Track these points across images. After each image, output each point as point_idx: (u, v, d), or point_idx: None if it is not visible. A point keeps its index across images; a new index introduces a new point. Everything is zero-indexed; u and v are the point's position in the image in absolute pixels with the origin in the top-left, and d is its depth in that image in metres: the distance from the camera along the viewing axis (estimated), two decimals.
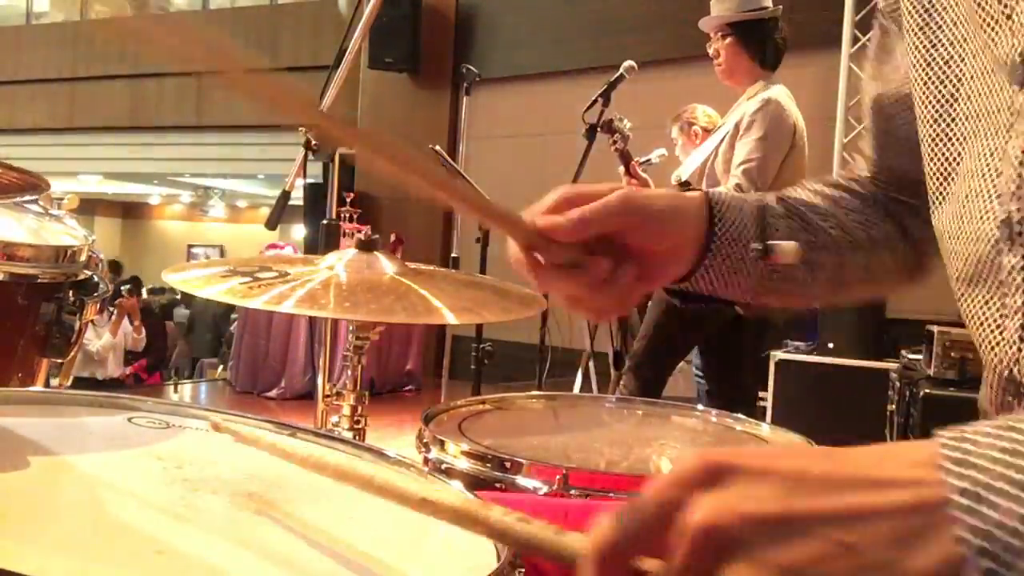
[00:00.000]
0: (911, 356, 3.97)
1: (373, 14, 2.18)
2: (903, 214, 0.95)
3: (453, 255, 4.42)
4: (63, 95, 13.78)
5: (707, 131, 3.92)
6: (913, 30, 0.80)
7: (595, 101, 3.39)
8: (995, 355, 0.69)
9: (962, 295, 0.74)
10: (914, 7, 0.80)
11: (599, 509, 0.61)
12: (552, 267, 0.76)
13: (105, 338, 7.35)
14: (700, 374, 4.14)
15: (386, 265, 1.34)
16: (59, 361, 1.46)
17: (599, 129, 3.28)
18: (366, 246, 1.38)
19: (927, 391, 3.33)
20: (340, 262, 1.33)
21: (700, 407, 1.72)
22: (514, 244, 0.76)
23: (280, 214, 2.28)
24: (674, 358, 3.61)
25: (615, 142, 3.21)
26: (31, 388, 1.38)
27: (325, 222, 2.65)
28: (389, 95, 8.60)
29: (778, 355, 4.56)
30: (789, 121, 3.15)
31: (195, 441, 0.95)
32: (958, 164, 0.74)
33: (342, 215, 7.00)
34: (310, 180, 2.32)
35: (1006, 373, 0.68)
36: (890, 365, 4.24)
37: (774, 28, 3.27)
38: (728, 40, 3.25)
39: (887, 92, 0.91)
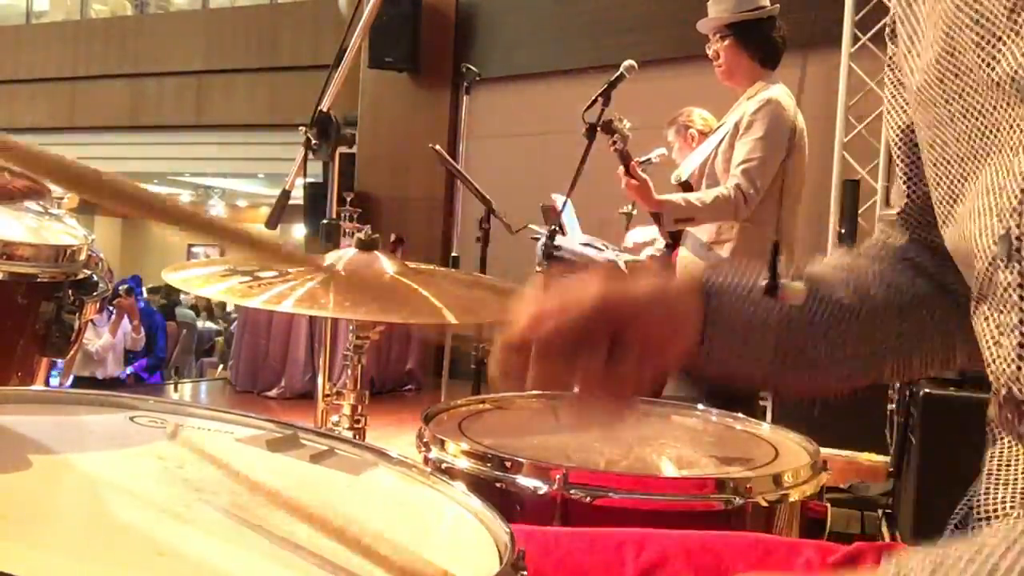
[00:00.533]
0: None
1: (373, 14, 2.18)
2: (936, 267, 0.88)
3: (453, 255, 4.42)
4: (63, 95, 13.78)
5: (703, 134, 3.92)
6: (904, 50, 0.80)
7: (595, 101, 3.38)
8: (995, 372, 0.69)
9: (972, 314, 0.73)
10: (905, 25, 0.79)
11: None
12: (547, 368, 0.75)
13: (104, 338, 7.35)
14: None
15: (386, 265, 1.34)
16: (59, 360, 1.46)
17: (599, 129, 3.28)
18: (366, 246, 1.38)
19: (927, 391, 3.32)
20: (340, 262, 1.33)
21: (700, 407, 1.72)
22: (494, 360, 0.76)
23: (280, 214, 2.28)
24: None
25: (615, 142, 3.20)
26: (31, 387, 1.38)
27: (325, 222, 2.64)
28: (389, 95, 8.60)
29: None
30: (789, 121, 3.15)
31: (196, 441, 0.95)
32: (963, 185, 0.73)
33: (342, 215, 7.01)
34: (310, 179, 2.31)
35: (1004, 391, 0.67)
36: None
37: (772, 27, 3.27)
38: (727, 41, 3.25)
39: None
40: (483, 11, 8.25)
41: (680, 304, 0.82)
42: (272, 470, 0.88)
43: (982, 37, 0.69)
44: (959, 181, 0.73)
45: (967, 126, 0.72)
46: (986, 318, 0.70)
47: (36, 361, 1.44)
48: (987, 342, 0.70)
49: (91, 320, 1.58)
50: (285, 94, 11.16)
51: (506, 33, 8.02)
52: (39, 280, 1.39)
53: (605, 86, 3.40)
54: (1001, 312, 0.68)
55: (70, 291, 1.41)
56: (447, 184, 8.06)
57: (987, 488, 0.71)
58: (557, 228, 3.58)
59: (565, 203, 3.74)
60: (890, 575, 0.48)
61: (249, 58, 12.12)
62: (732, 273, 0.85)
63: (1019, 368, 0.66)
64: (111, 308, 7.61)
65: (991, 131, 0.69)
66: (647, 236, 4.62)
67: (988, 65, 0.69)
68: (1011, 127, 0.67)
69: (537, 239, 3.70)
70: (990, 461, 0.72)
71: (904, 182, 0.88)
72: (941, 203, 0.76)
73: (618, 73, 3.43)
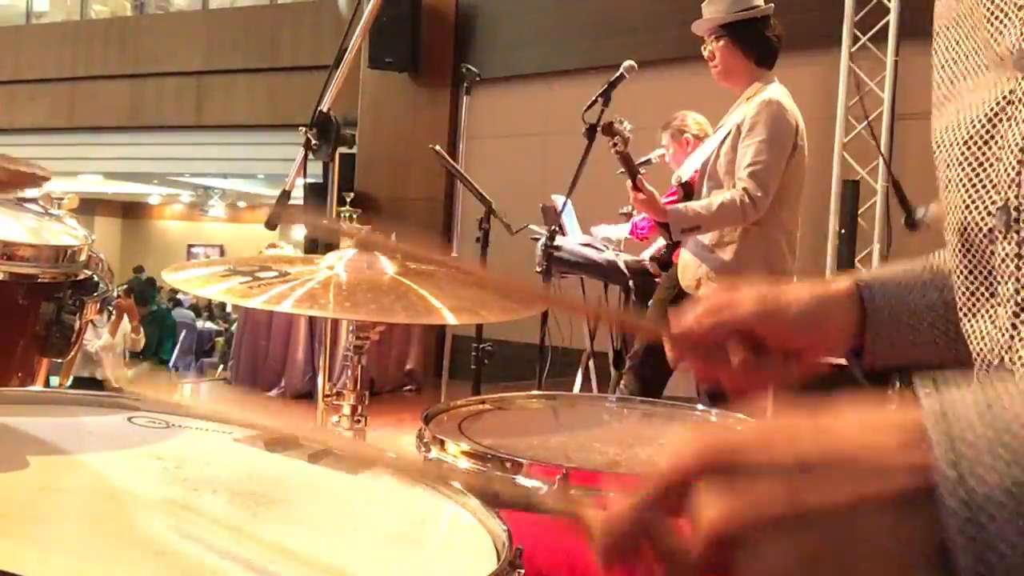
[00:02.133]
0: None
1: (373, 14, 2.18)
2: None
3: (453, 255, 4.41)
4: (63, 95, 13.79)
5: (698, 138, 3.92)
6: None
7: (595, 101, 3.39)
8: (986, 345, 0.69)
9: (957, 287, 0.73)
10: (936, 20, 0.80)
11: None
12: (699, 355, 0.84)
13: (104, 338, 7.32)
14: None
15: (386, 265, 1.34)
16: (59, 361, 1.46)
17: (599, 131, 3.28)
18: (366, 246, 1.38)
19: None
20: (340, 262, 1.33)
21: (700, 407, 1.71)
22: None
23: (280, 214, 2.28)
24: None
25: (615, 144, 3.20)
26: (31, 388, 1.38)
27: (325, 222, 2.64)
28: (389, 95, 8.60)
29: None
30: (791, 121, 3.15)
31: (195, 441, 0.95)
32: (949, 154, 0.73)
33: (342, 215, 7.01)
34: (310, 179, 2.31)
35: (996, 361, 0.68)
36: None
37: (767, 26, 3.26)
38: (722, 42, 3.25)
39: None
40: (483, 11, 8.25)
41: (832, 314, 0.86)
42: (271, 470, 0.89)
43: (991, 13, 0.69)
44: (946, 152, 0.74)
45: (958, 103, 0.72)
46: (975, 290, 0.70)
47: (36, 362, 1.44)
48: (979, 314, 0.70)
49: (91, 320, 1.58)
50: (285, 94, 11.17)
51: (506, 33, 8.02)
52: (39, 281, 1.38)
53: (605, 86, 3.40)
54: (996, 283, 0.68)
55: (70, 292, 1.41)
56: (447, 184, 8.06)
57: None
58: (557, 228, 3.58)
59: (565, 203, 3.74)
60: (931, 418, 0.46)
61: (249, 58, 12.12)
62: (886, 270, 0.89)
63: (1012, 338, 0.66)
64: (111, 309, 7.60)
65: (978, 103, 0.70)
66: (617, 233, 4.61)
67: (987, 45, 0.70)
68: (998, 98, 0.68)
69: (537, 239, 3.70)
70: None
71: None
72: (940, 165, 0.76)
73: (618, 73, 3.43)
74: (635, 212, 4.47)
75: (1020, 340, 0.66)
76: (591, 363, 4.90)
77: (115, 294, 7.83)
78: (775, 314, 0.84)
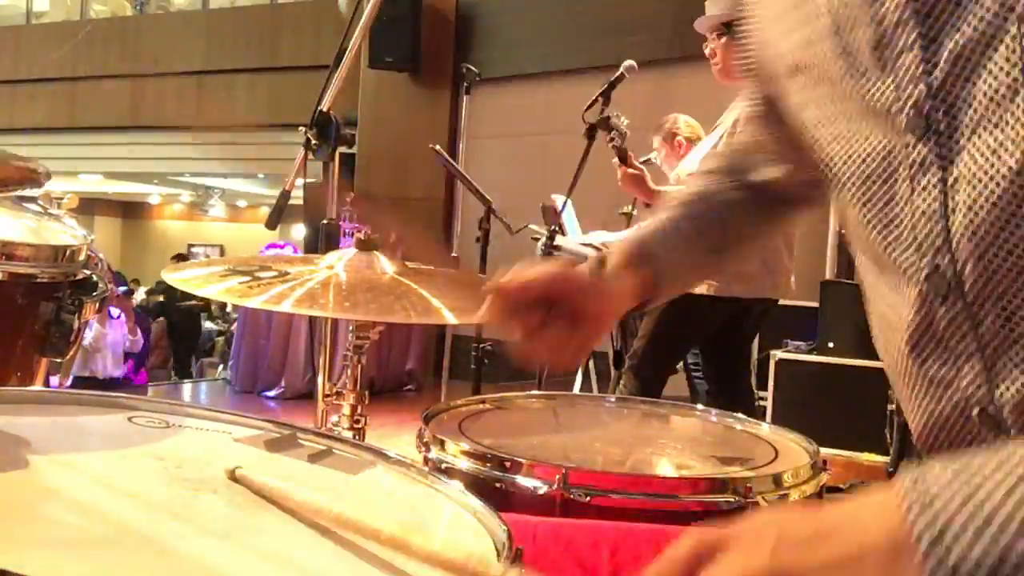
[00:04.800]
0: None
1: (373, 14, 2.18)
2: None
3: (453, 255, 4.41)
4: (63, 95, 13.78)
5: (690, 140, 3.91)
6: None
7: (595, 101, 3.39)
8: (956, 394, 0.69)
9: (904, 369, 0.73)
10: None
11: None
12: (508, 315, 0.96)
13: (95, 328, 7.26)
14: (699, 374, 4.14)
15: (386, 265, 1.34)
16: (58, 360, 1.45)
17: (597, 127, 3.28)
18: (366, 246, 1.38)
19: None
20: (340, 262, 1.33)
21: (700, 407, 1.71)
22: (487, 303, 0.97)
23: (280, 213, 2.28)
24: (674, 358, 3.61)
25: (612, 139, 3.21)
26: (31, 387, 1.38)
27: (325, 222, 2.64)
28: (389, 95, 8.59)
29: (778, 355, 4.56)
30: None
31: (195, 441, 0.95)
32: (848, 193, 0.74)
33: (342, 215, 7.00)
34: (310, 179, 2.31)
35: (975, 412, 0.68)
36: None
37: None
38: (724, 39, 3.25)
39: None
40: (483, 11, 8.25)
41: (612, 302, 1.01)
42: (270, 471, 0.88)
43: (854, 68, 0.69)
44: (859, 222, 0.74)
45: (848, 149, 0.73)
46: (926, 347, 0.70)
47: (35, 361, 1.44)
48: (939, 381, 0.70)
49: (89, 320, 1.58)
50: (285, 94, 11.16)
51: (506, 33, 8.02)
52: (38, 280, 1.38)
53: (605, 86, 3.40)
54: (951, 341, 0.68)
55: (69, 291, 1.41)
56: (447, 184, 8.06)
57: None
58: (557, 228, 3.58)
59: (565, 203, 3.74)
60: (906, 486, 0.49)
61: (249, 58, 12.12)
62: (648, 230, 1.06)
63: (990, 389, 0.66)
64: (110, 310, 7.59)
65: (866, 169, 0.70)
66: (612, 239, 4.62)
67: (852, 95, 0.70)
68: (893, 163, 0.68)
69: (537, 239, 3.70)
70: None
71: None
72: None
73: (618, 73, 3.43)
74: (634, 211, 4.47)
75: (998, 389, 0.65)
76: (591, 363, 4.90)
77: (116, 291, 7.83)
78: (570, 278, 0.97)
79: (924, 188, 0.66)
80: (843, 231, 5.54)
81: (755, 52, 0.92)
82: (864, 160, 0.71)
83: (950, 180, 0.64)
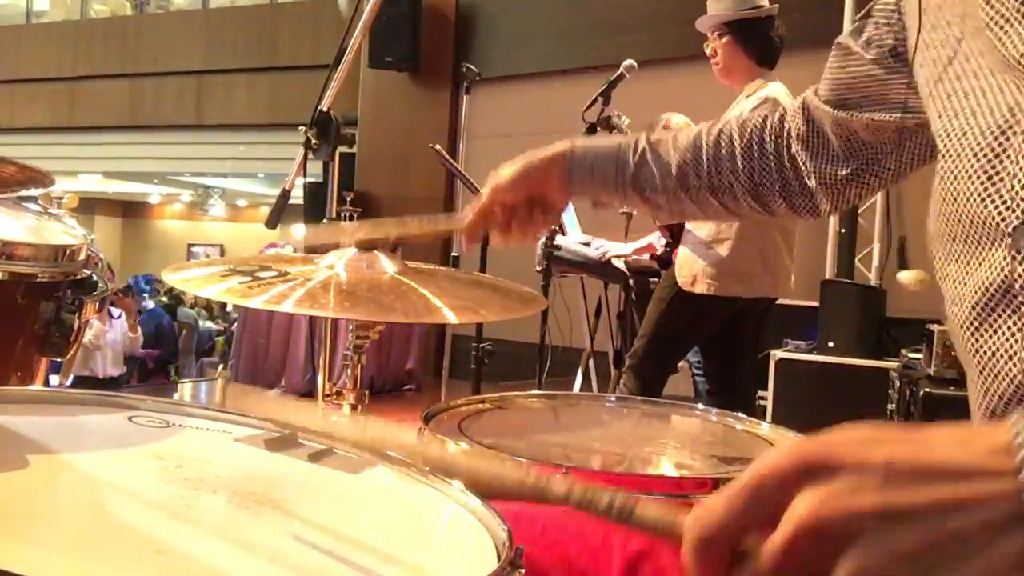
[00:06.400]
0: (911, 355, 3.97)
1: (373, 13, 2.18)
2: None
3: (453, 254, 4.41)
4: (63, 95, 13.78)
5: None
6: (915, 37, 0.80)
7: (595, 100, 3.39)
8: (1015, 364, 0.68)
9: (958, 298, 0.72)
10: (916, 12, 0.80)
11: None
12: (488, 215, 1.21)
13: (95, 327, 7.25)
14: (700, 373, 4.14)
15: (386, 264, 1.34)
16: (58, 360, 1.45)
17: (597, 127, 3.29)
18: (366, 245, 1.38)
19: (927, 390, 3.33)
20: (340, 261, 1.33)
21: (700, 406, 1.71)
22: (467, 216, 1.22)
23: (280, 213, 2.28)
24: (674, 357, 3.61)
25: None
26: (31, 387, 1.38)
27: (325, 221, 2.64)
28: (389, 94, 8.59)
29: (778, 354, 4.56)
30: None
31: (195, 440, 0.95)
32: (957, 165, 0.72)
33: (342, 214, 6.99)
34: (310, 179, 2.31)
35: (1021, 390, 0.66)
36: (890, 364, 4.24)
37: (771, 26, 3.27)
38: (725, 39, 3.25)
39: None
40: (483, 11, 8.24)
41: (551, 170, 1.20)
42: (271, 470, 0.88)
43: (991, 18, 0.68)
44: (948, 163, 0.73)
45: (975, 104, 0.71)
46: (994, 305, 0.69)
47: (35, 361, 1.44)
48: (998, 329, 0.69)
49: (89, 320, 1.58)
50: (285, 94, 11.17)
51: (506, 33, 8.02)
52: (38, 280, 1.38)
53: (605, 86, 3.41)
54: (1021, 311, 0.66)
55: (69, 291, 1.41)
56: (447, 184, 8.06)
57: None
58: (557, 228, 3.58)
59: None
60: (1019, 426, 0.46)
61: (249, 58, 12.12)
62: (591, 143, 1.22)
63: None
64: (110, 309, 7.59)
65: (984, 114, 0.69)
66: (619, 250, 4.62)
67: (991, 48, 0.68)
68: (1008, 111, 0.67)
69: (537, 239, 3.70)
70: None
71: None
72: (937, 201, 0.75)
73: (618, 73, 3.44)
74: (635, 211, 4.47)
75: None
76: (591, 363, 4.90)
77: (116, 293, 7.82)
78: (545, 178, 1.19)
79: None
80: (843, 231, 5.53)
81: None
82: (990, 114, 0.69)
83: None
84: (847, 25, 5.78)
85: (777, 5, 3.31)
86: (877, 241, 5.50)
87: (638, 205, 1.22)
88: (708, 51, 3.32)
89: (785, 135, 1.12)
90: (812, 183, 1.09)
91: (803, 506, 0.47)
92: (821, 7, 5.83)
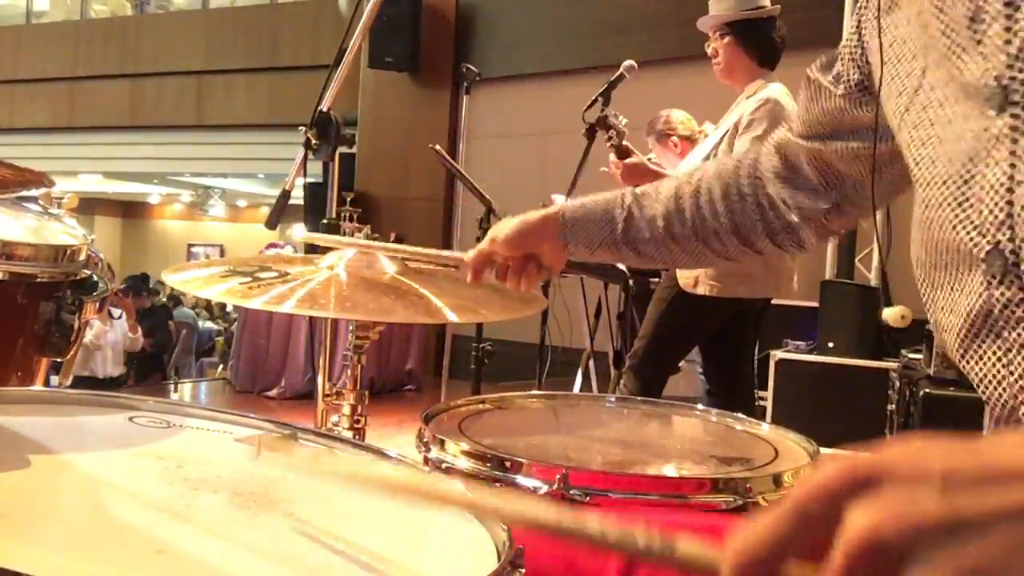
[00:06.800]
0: (911, 356, 3.97)
1: (373, 14, 2.18)
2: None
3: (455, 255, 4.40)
4: (63, 95, 13.78)
5: (685, 138, 3.89)
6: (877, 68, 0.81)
7: (595, 101, 3.39)
8: (1003, 389, 0.68)
9: (945, 325, 0.72)
10: (877, 41, 0.81)
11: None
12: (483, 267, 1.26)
13: (96, 326, 7.24)
14: (701, 373, 4.14)
15: (386, 265, 1.34)
16: (59, 360, 1.45)
17: (596, 127, 3.29)
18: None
19: (927, 391, 3.33)
20: (340, 262, 1.33)
21: (700, 407, 1.71)
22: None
23: (280, 213, 2.27)
24: (675, 358, 3.61)
25: (610, 138, 3.22)
26: (31, 387, 1.38)
27: (325, 222, 2.64)
28: (389, 95, 8.60)
29: (778, 355, 4.56)
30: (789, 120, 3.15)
31: (195, 441, 0.95)
32: (928, 193, 0.73)
33: (342, 215, 7.00)
34: (310, 179, 2.31)
35: (1008, 412, 0.66)
36: (890, 365, 4.24)
37: (772, 27, 3.27)
38: (726, 39, 3.25)
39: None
40: (483, 11, 8.25)
41: (546, 233, 1.25)
42: (271, 470, 0.88)
43: (949, 48, 0.69)
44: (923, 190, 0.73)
45: (941, 132, 0.72)
46: (976, 332, 0.69)
47: (35, 361, 1.44)
48: (983, 356, 0.69)
49: (89, 320, 1.58)
50: (285, 94, 11.16)
51: (506, 33, 8.02)
52: (38, 280, 1.38)
53: (605, 86, 3.40)
54: (1004, 330, 0.67)
55: (69, 291, 1.41)
56: (447, 184, 8.06)
57: None
58: None
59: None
60: None
61: (249, 58, 12.12)
62: (580, 205, 1.25)
63: None
64: (110, 309, 7.58)
65: (950, 142, 0.70)
66: None
67: (951, 78, 0.69)
68: (972, 137, 0.67)
69: None
70: None
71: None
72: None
73: (618, 73, 3.43)
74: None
75: None
76: (591, 363, 4.90)
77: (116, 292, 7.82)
78: (543, 237, 1.24)
79: (996, 162, 0.65)
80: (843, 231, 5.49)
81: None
82: (957, 141, 0.70)
83: (1019, 152, 0.63)
84: (847, 25, 5.79)
85: (779, 6, 3.31)
86: (877, 241, 5.50)
87: (632, 260, 1.25)
88: (709, 51, 3.32)
89: (761, 175, 1.13)
90: (795, 218, 1.11)
91: (860, 522, 0.42)
92: (821, 7, 5.83)
